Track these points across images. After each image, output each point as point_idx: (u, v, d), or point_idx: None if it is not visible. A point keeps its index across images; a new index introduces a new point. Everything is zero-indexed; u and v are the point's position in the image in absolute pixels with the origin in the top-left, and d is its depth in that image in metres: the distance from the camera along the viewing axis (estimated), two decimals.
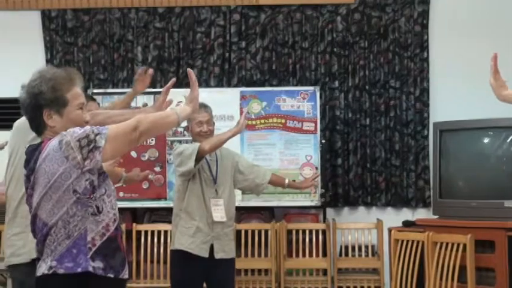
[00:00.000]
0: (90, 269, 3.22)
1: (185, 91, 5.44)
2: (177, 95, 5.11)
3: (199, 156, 5.30)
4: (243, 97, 7.56)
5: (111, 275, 3.29)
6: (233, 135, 5.41)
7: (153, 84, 7.90)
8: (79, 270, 3.21)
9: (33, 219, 3.28)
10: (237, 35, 8.09)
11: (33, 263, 3.47)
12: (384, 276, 7.21)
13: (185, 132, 7.15)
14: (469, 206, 6.58)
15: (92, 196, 3.25)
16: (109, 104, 5.67)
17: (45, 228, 3.23)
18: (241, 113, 5.64)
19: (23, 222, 4.10)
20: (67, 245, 3.22)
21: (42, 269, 3.25)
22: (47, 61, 8.03)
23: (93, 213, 3.25)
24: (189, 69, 3.66)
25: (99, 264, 3.24)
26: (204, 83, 7.97)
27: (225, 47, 8.09)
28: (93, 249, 3.24)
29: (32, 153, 3.28)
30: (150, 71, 5.13)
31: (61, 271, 3.21)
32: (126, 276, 3.40)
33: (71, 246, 3.22)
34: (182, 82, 7.81)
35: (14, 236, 4.32)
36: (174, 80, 4.48)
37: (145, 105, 7.36)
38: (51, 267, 3.22)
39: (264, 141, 7.55)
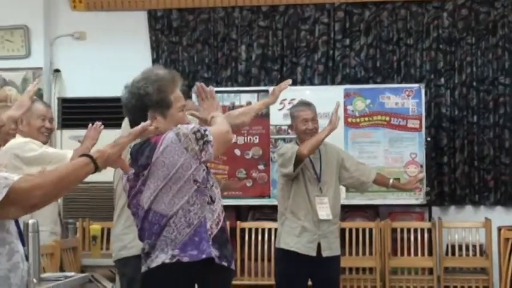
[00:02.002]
0: (213, 255, 3.27)
1: (288, 89, 5.43)
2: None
3: (298, 160, 5.29)
4: (346, 95, 7.51)
5: (225, 264, 3.34)
6: (328, 134, 5.38)
7: (256, 83, 8.01)
8: (203, 256, 3.25)
9: (145, 215, 3.32)
10: (341, 33, 8.04)
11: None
12: (492, 276, 7.05)
13: (289, 131, 7.16)
14: None
15: (207, 186, 3.32)
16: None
17: (163, 219, 3.27)
18: (336, 109, 5.52)
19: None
20: (188, 233, 3.26)
21: (160, 259, 3.28)
22: (153, 61, 8.16)
23: (208, 202, 3.31)
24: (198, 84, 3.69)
25: (215, 252, 3.29)
26: (308, 80, 7.97)
27: (329, 45, 8.06)
28: (211, 237, 3.29)
29: (141, 151, 3.33)
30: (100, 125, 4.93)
31: (185, 259, 3.25)
32: (234, 267, 3.45)
33: (193, 235, 3.26)
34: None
35: (125, 229, 4.39)
36: (289, 81, 4.53)
37: (249, 103, 7.40)
38: (173, 256, 3.26)
39: (368, 139, 7.48)
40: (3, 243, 2.61)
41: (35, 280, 4.27)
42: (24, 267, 2.68)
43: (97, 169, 2.67)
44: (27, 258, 2.74)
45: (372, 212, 7.62)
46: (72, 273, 5.10)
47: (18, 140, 4.90)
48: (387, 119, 7.46)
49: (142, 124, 2.92)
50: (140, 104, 3.34)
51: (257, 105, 4.75)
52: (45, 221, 5.19)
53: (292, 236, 5.40)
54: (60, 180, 2.56)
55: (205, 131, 3.31)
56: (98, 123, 4.79)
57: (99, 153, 2.67)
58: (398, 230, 7.33)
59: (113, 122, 4.77)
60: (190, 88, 6.91)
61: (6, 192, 2.46)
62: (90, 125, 4.86)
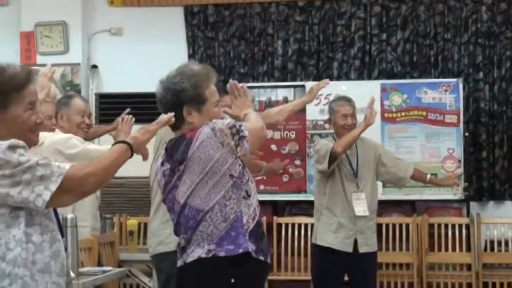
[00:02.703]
0: (250, 249, 3.28)
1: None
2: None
3: (333, 158, 5.27)
4: (383, 90, 7.47)
5: (262, 258, 3.36)
6: (364, 130, 5.37)
7: (293, 78, 8.00)
8: (240, 251, 3.27)
9: (181, 210, 3.34)
10: (377, 27, 8.00)
11: None
12: None
13: (325, 125, 7.14)
14: None
15: (243, 180, 3.33)
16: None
17: (199, 214, 3.29)
18: (370, 105, 5.49)
19: None
20: (224, 227, 3.28)
21: (196, 253, 3.30)
22: (189, 56, 8.18)
23: (244, 197, 3.33)
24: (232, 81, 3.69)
25: (252, 246, 3.30)
26: (344, 76, 7.95)
27: (366, 40, 8.02)
28: (248, 231, 3.31)
29: (176, 146, 3.34)
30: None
31: (222, 254, 3.27)
32: (269, 261, 3.46)
33: (229, 229, 3.28)
34: (322, 75, 7.81)
35: (162, 225, 4.41)
36: (327, 80, 4.57)
37: (285, 98, 7.41)
38: (209, 251, 3.28)
39: (404, 134, 7.43)
40: (46, 231, 2.65)
41: (73, 274, 4.31)
42: (64, 257, 2.72)
43: (132, 155, 2.82)
44: (65, 249, 2.78)
45: (409, 207, 7.57)
46: (110, 268, 5.14)
47: (60, 135, 4.91)
48: (424, 114, 7.41)
49: (170, 114, 3.13)
50: (176, 99, 3.36)
51: (293, 104, 4.77)
52: (87, 217, 5.23)
53: (329, 232, 5.39)
54: (109, 167, 2.71)
55: (240, 126, 3.33)
56: (129, 116, 4.80)
57: (134, 139, 2.83)
58: (436, 226, 7.27)
59: (149, 118, 4.76)
60: (226, 84, 6.91)
61: (61, 180, 2.55)
62: (120, 119, 4.87)
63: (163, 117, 3.10)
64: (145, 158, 3.00)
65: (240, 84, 3.70)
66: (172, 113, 3.16)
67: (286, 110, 4.60)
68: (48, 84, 4.50)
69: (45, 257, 2.63)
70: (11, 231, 2.58)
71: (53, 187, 2.55)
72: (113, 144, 2.87)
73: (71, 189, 2.61)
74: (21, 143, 2.60)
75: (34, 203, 2.55)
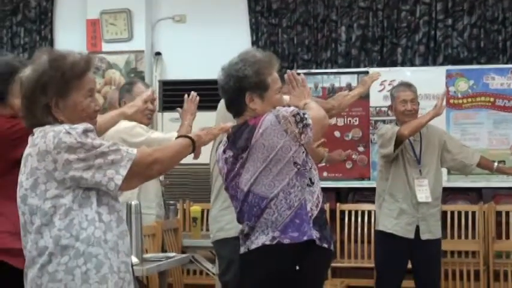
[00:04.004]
0: (314, 237, 3.28)
1: (388, 70, 5.35)
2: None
3: (399, 141, 5.26)
4: (449, 75, 7.37)
5: (326, 245, 3.36)
6: (431, 118, 5.33)
7: (356, 64, 7.93)
8: (304, 238, 3.28)
9: (244, 197, 3.35)
10: (443, 12, 7.87)
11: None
12: None
13: (389, 112, 7.06)
14: None
15: (306, 168, 3.33)
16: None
17: (263, 202, 3.30)
18: (442, 96, 5.46)
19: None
20: (289, 215, 3.29)
21: (260, 240, 3.31)
22: (253, 43, 8.17)
23: (308, 184, 3.33)
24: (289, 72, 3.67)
25: (316, 234, 3.30)
26: (409, 62, 7.85)
27: (431, 25, 7.90)
28: (312, 218, 3.31)
29: (239, 133, 3.35)
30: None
31: (286, 241, 3.28)
32: (333, 248, 3.46)
33: (293, 217, 3.29)
34: (386, 61, 7.74)
35: (223, 211, 4.42)
36: (379, 73, 4.58)
37: (348, 85, 7.36)
38: (274, 238, 3.29)
39: (470, 120, 7.32)
40: (113, 211, 2.73)
41: (137, 260, 4.36)
42: (129, 238, 2.80)
43: (193, 151, 2.92)
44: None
45: (475, 194, 7.46)
46: (174, 254, 5.19)
47: (125, 123, 4.91)
48: (491, 100, 7.28)
49: (231, 124, 3.24)
50: (238, 86, 3.36)
51: (348, 98, 4.76)
52: (152, 205, 5.28)
53: (391, 218, 5.37)
54: (174, 157, 2.83)
55: (304, 114, 3.33)
56: (194, 93, 4.78)
57: (197, 137, 2.92)
58: (504, 214, 7.16)
59: (212, 104, 4.79)
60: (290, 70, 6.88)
61: (130, 165, 2.65)
62: (186, 96, 4.85)
63: (227, 125, 3.19)
64: (196, 157, 3.04)
65: (300, 75, 3.68)
66: (231, 123, 3.23)
67: (343, 106, 4.68)
68: (140, 107, 4.32)
69: (113, 236, 2.70)
70: (84, 210, 2.66)
71: (124, 171, 2.65)
72: (178, 137, 2.95)
73: (138, 174, 2.71)
74: (92, 127, 2.67)
75: (106, 186, 2.65)
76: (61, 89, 2.68)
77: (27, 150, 2.72)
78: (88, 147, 2.62)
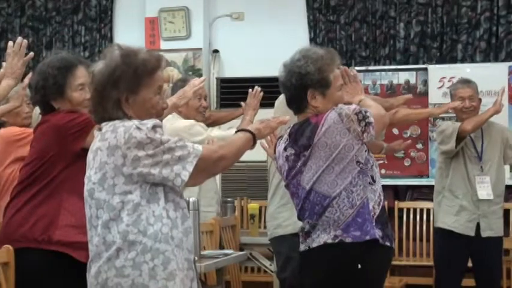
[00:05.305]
0: (377, 236, 3.26)
1: (448, 66, 5.28)
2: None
3: (460, 137, 5.21)
4: (511, 72, 7.26)
5: (388, 244, 3.35)
6: (492, 115, 5.30)
7: (415, 61, 7.85)
8: (367, 237, 3.27)
9: (306, 195, 3.34)
10: (505, 8, 7.75)
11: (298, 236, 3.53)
12: None
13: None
14: None
15: (368, 166, 3.32)
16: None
17: (326, 200, 3.29)
18: (501, 93, 5.42)
19: (287, 193, 4.17)
20: (351, 214, 3.27)
21: (322, 238, 3.30)
22: (310, 40, 8.15)
23: (370, 183, 3.32)
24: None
25: (379, 232, 3.29)
26: (469, 58, 7.75)
27: (492, 21, 7.78)
28: (374, 217, 3.29)
29: (301, 131, 3.34)
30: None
31: (348, 240, 3.27)
32: (394, 246, 3.44)
33: (356, 215, 3.28)
34: (446, 58, 7.66)
35: (279, 208, 4.42)
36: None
37: (407, 82, 7.32)
38: (336, 236, 3.28)
39: None
40: (178, 207, 2.75)
41: (195, 257, 4.38)
42: (192, 235, 2.81)
43: (253, 146, 2.95)
44: None
45: None
46: (231, 251, 5.19)
47: (184, 122, 4.91)
48: None
49: (288, 117, 3.17)
50: (300, 83, 3.35)
51: (416, 113, 4.82)
52: (211, 202, 5.30)
53: (450, 215, 5.33)
54: (238, 152, 2.86)
55: (366, 112, 3.30)
56: (258, 88, 4.78)
57: (257, 131, 2.94)
58: None
59: (268, 102, 4.78)
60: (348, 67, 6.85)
61: (197, 161, 2.68)
62: (250, 90, 4.83)
63: (284, 117, 3.15)
64: (252, 148, 3.03)
65: (353, 72, 3.66)
66: (288, 116, 3.19)
67: (409, 119, 4.75)
68: (190, 96, 4.28)
69: (179, 232, 2.72)
70: (151, 206, 2.68)
71: (190, 168, 2.67)
72: (237, 131, 2.94)
73: (203, 170, 2.73)
74: (160, 123, 2.69)
75: (173, 182, 2.67)
76: (133, 84, 2.71)
77: (96, 144, 2.74)
78: (157, 143, 2.64)
